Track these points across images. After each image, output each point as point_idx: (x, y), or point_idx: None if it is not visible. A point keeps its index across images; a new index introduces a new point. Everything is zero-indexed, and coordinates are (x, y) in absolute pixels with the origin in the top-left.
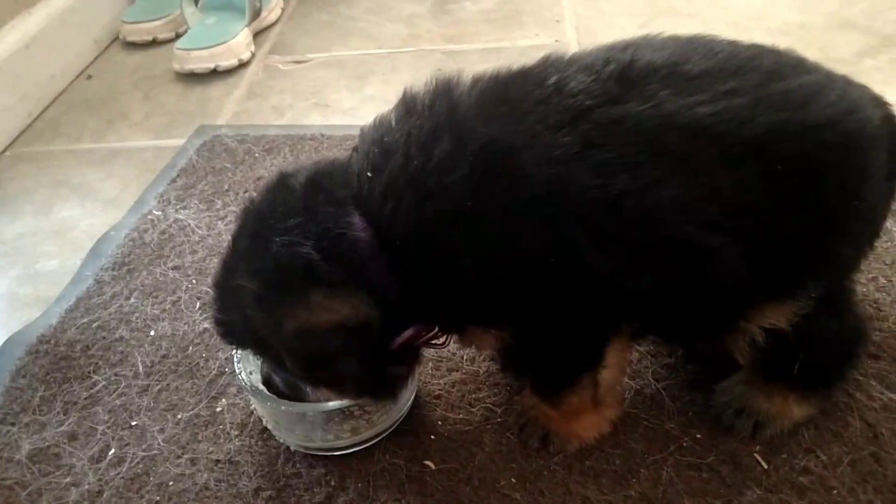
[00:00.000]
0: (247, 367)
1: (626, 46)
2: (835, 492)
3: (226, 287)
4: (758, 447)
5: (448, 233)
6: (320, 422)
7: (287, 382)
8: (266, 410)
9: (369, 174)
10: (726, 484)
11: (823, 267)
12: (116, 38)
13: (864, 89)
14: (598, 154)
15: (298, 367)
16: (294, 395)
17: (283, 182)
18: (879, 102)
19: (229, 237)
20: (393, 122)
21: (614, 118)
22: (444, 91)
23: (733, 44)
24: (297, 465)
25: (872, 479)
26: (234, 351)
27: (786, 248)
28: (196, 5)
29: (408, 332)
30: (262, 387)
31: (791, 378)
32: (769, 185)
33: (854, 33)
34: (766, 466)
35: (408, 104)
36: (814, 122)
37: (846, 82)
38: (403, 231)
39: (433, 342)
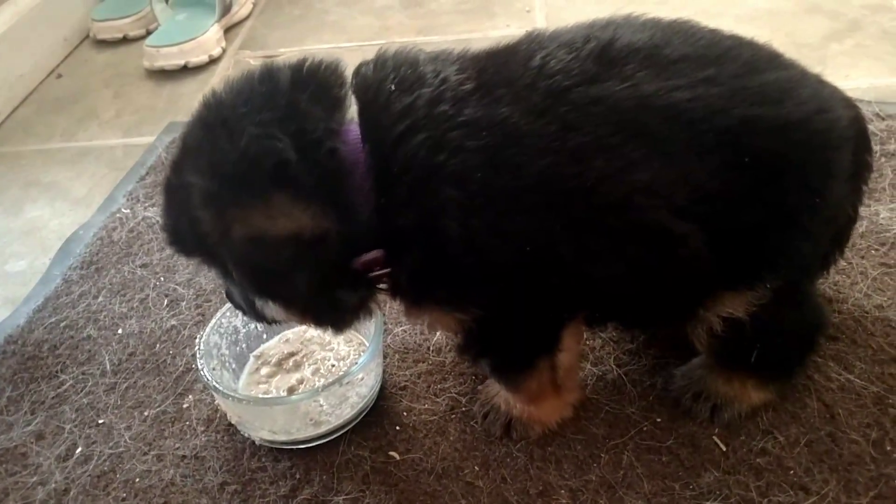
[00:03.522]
0: (210, 363)
1: (607, 24)
2: (791, 472)
3: (173, 187)
4: (717, 430)
5: (449, 190)
6: (281, 414)
7: (244, 297)
8: (229, 406)
9: (392, 87)
10: (685, 466)
11: (782, 261)
12: (87, 36)
13: (835, 90)
14: (575, 138)
15: (247, 278)
16: (252, 312)
17: (266, 73)
18: (849, 103)
19: None
20: (425, 59)
21: (592, 98)
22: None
23: (714, 32)
24: (263, 460)
25: (828, 458)
26: (198, 347)
27: (746, 240)
28: (166, 2)
29: (371, 255)
30: (225, 384)
31: (749, 365)
32: (736, 177)
33: (821, 18)
34: (724, 448)
35: (446, 53)
36: (785, 119)
37: (819, 81)
38: (404, 163)
39: (385, 281)
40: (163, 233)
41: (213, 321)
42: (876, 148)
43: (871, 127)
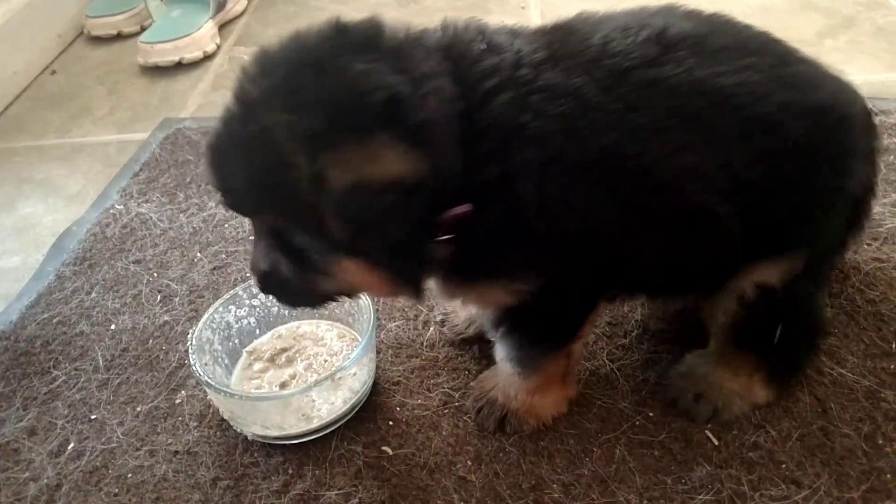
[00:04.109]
0: (202, 359)
1: (655, 12)
2: (783, 466)
3: (243, 134)
4: (710, 424)
5: (529, 152)
6: (273, 409)
7: (302, 264)
8: (221, 401)
9: (483, 47)
10: (677, 461)
11: (812, 236)
12: (81, 33)
13: (847, 81)
14: (636, 118)
15: (345, 230)
16: (304, 286)
17: (342, 26)
18: (859, 93)
19: (192, 228)
20: (493, 30)
21: (650, 80)
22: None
23: (748, 27)
24: (255, 455)
25: (820, 452)
26: (190, 342)
27: (782, 220)
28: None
29: (461, 208)
30: (218, 379)
31: (765, 350)
32: (775, 162)
33: (815, 14)
34: (716, 443)
35: (505, 26)
36: (817, 104)
37: (835, 73)
38: (489, 120)
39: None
40: (221, 191)
41: (206, 316)
42: None
43: None
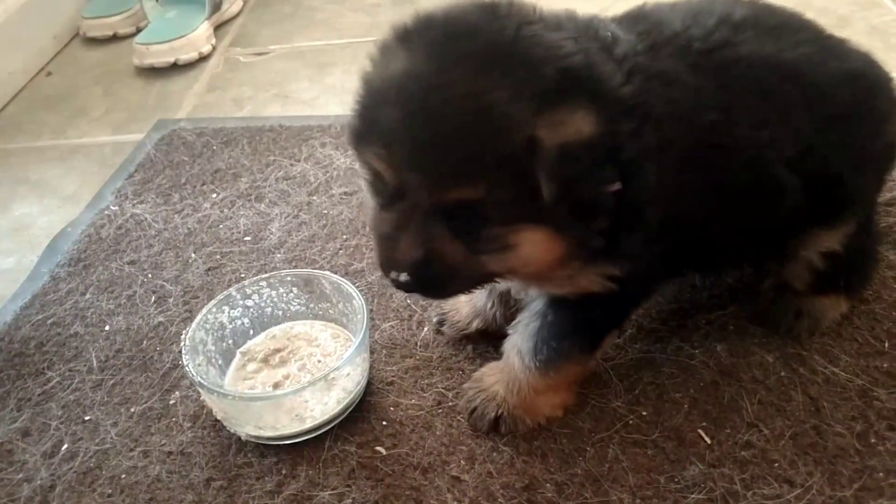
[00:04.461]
0: (195, 359)
1: (704, 2)
2: (776, 464)
3: (446, 99)
4: (703, 423)
5: (652, 135)
6: (266, 410)
7: (475, 243)
8: (214, 402)
9: (610, 35)
10: (670, 459)
11: (863, 196)
12: (77, 34)
13: (866, 50)
14: (726, 96)
15: (551, 189)
16: (466, 271)
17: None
18: (878, 61)
19: (186, 229)
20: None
21: (731, 59)
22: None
23: (783, 7)
24: (249, 455)
25: (813, 451)
26: (184, 343)
27: (839, 180)
28: (157, 1)
29: (615, 185)
30: (212, 379)
31: (838, 285)
32: (830, 128)
33: (811, 14)
34: (709, 441)
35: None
36: (855, 71)
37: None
38: (629, 100)
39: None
40: (409, 163)
41: (199, 317)
42: None
43: None
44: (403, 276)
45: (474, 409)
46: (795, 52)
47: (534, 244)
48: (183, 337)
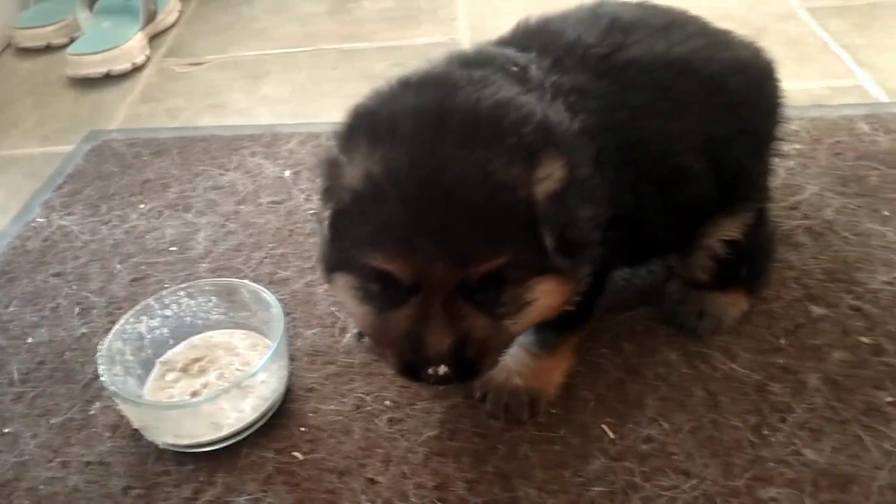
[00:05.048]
0: (113, 369)
1: (598, 5)
2: (674, 457)
3: (453, 179)
4: (608, 418)
5: (590, 147)
6: (182, 418)
7: (497, 310)
8: (129, 411)
9: (515, 68)
10: (575, 454)
11: (760, 182)
12: (9, 45)
13: (750, 41)
14: (631, 96)
15: (552, 236)
16: (496, 341)
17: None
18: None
19: (113, 240)
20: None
21: (627, 61)
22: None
23: (668, 6)
24: (167, 464)
25: (710, 444)
26: (100, 353)
27: (738, 166)
28: (90, 10)
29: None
30: (130, 389)
31: (739, 279)
32: (726, 116)
33: (730, 24)
34: (612, 436)
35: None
36: (745, 60)
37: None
38: (566, 127)
39: None
40: (435, 249)
41: (117, 327)
42: None
43: None
44: (442, 369)
45: (507, 406)
46: (685, 46)
47: (547, 294)
48: (99, 347)
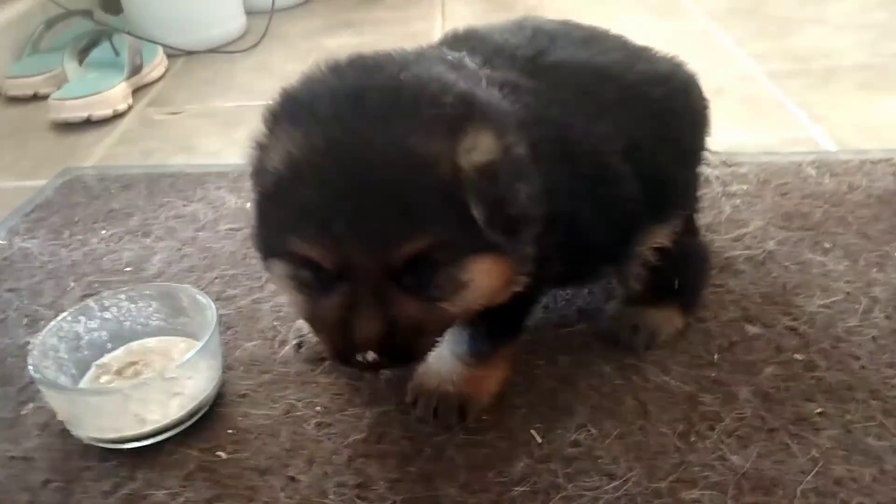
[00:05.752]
0: (43, 362)
1: (523, 19)
2: (600, 460)
3: (371, 155)
4: (537, 424)
5: (520, 144)
6: (105, 408)
7: (431, 292)
8: (51, 398)
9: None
10: (501, 457)
11: (689, 192)
12: None
13: (672, 56)
14: (561, 94)
15: (482, 210)
16: (431, 325)
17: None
18: (684, 64)
19: (70, 261)
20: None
21: (552, 63)
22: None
23: (591, 25)
24: (91, 460)
25: (636, 448)
26: (32, 346)
27: (664, 175)
28: (80, 63)
29: None
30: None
31: (674, 292)
32: (647, 123)
33: None
34: (540, 441)
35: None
36: (665, 72)
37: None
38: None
39: None
40: (355, 225)
41: (53, 324)
42: (719, 189)
43: (717, 172)
44: (371, 356)
45: (436, 409)
46: (606, 57)
47: (484, 274)
48: (32, 342)
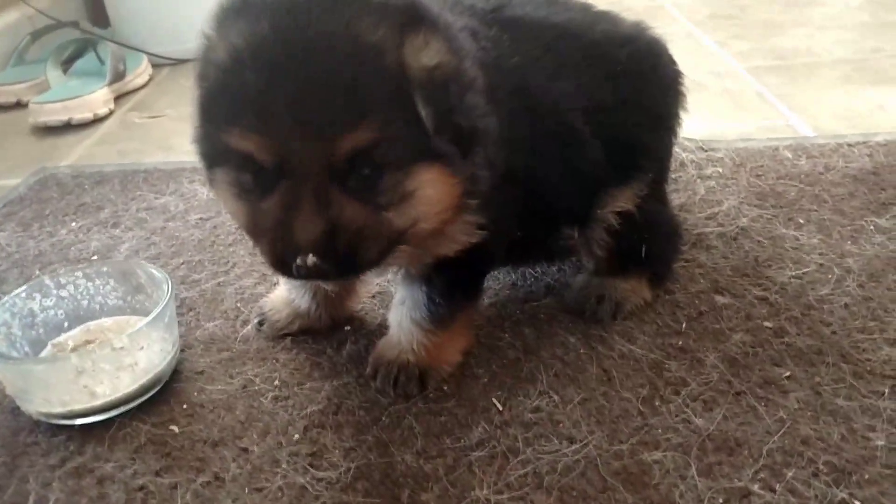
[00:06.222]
0: None
1: None
2: (560, 425)
3: (317, 40)
4: (498, 393)
5: (476, 96)
6: (53, 378)
7: (374, 197)
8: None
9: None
10: (460, 424)
11: (654, 155)
12: None
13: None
14: (521, 45)
15: (429, 113)
16: (372, 231)
17: None
18: (650, 28)
19: (37, 251)
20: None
21: (511, 18)
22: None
23: None
24: (40, 436)
25: (598, 413)
26: None
27: (628, 137)
28: (64, 71)
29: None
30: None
31: (641, 262)
32: (613, 86)
33: None
34: (500, 408)
35: None
36: (629, 34)
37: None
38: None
39: None
40: (298, 110)
41: (6, 298)
42: (694, 172)
43: (693, 156)
44: (311, 259)
45: (396, 380)
46: (565, 16)
47: (431, 184)
48: None
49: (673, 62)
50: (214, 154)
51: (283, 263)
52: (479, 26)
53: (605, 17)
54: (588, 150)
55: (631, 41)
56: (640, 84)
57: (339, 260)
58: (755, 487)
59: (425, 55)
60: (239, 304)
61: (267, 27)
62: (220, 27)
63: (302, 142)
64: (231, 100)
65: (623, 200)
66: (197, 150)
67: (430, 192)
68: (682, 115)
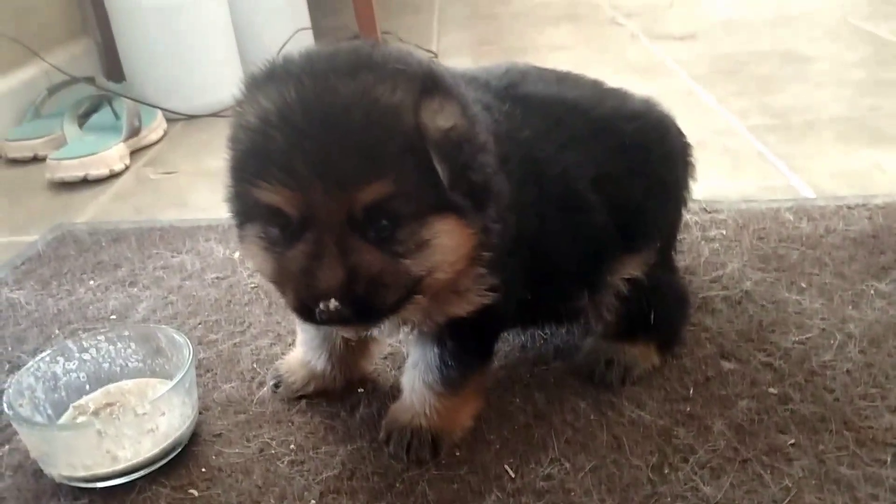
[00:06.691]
0: (18, 401)
1: (497, 63)
2: (572, 493)
3: (338, 102)
4: (510, 459)
5: (496, 150)
6: (76, 443)
7: (392, 245)
8: (24, 434)
9: None
10: (473, 491)
11: (661, 224)
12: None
13: (648, 97)
14: (532, 120)
15: (445, 169)
16: (391, 277)
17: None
18: (660, 105)
19: (56, 309)
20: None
21: (523, 95)
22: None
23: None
24: (63, 499)
25: (609, 482)
26: (9, 384)
27: (637, 209)
28: (80, 127)
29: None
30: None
31: (650, 328)
32: (619, 157)
33: None
34: (513, 475)
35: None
36: (637, 110)
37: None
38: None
39: None
40: (320, 166)
41: (31, 363)
42: (698, 233)
43: (696, 218)
44: (333, 304)
45: (409, 445)
46: (575, 93)
47: (446, 234)
48: (9, 380)
49: (681, 134)
50: (245, 210)
51: (306, 309)
52: (493, 101)
53: (615, 93)
54: (596, 217)
55: (639, 116)
56: (647, 155)
57: (359, 305)
58: None
59: (441, 118)
60: (255, 365)
61: (293, 91)
62: (249, 94)
63: (324, 195)
64: (261, 158)
65: (632, 267)
66: (229, 208)
67: (446, 241)
68: (692, 184)
